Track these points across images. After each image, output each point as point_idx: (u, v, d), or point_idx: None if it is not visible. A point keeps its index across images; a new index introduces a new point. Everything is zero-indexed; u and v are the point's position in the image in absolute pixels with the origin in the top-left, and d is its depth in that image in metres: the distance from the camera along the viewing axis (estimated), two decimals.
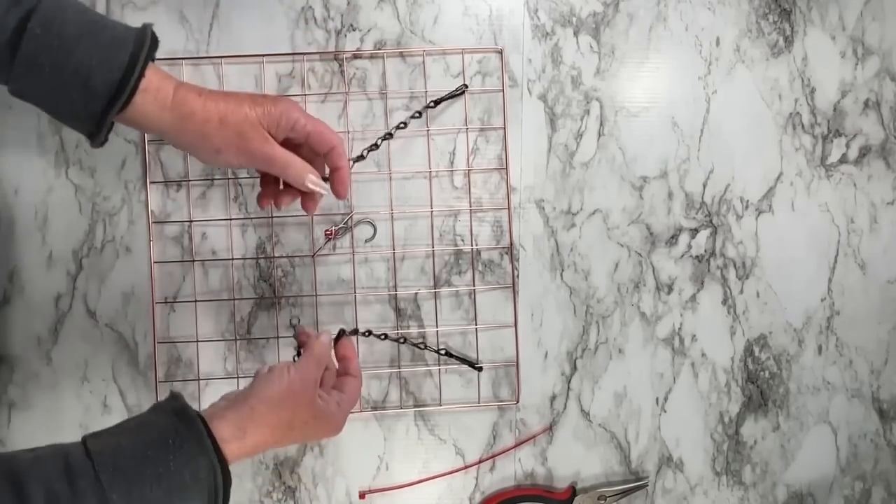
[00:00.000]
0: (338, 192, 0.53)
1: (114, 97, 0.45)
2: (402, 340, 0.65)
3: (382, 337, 0.64)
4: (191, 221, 0.65)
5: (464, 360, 0.65)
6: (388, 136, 0.64)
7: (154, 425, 0.44)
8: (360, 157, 0.63)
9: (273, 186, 0.53)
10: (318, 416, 0.51)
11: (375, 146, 0.64)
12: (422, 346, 0.65)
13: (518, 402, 0.67)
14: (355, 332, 0.63)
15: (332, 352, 0.57)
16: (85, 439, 0.42)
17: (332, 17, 0.65)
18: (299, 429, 0.50)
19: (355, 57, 0.65)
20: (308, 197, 0.53)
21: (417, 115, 0.64)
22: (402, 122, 0.64)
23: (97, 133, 0.46)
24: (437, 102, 0.64)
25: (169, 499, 0.42)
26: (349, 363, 0.57)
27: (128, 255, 0.64)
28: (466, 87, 0.65)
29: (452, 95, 0.65)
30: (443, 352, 0.65)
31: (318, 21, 0.65)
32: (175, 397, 0.46)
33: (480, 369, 0.66)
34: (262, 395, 0.48)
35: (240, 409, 0.47)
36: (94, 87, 0.44)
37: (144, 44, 0.46)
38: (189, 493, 0.42)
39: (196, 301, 0.65)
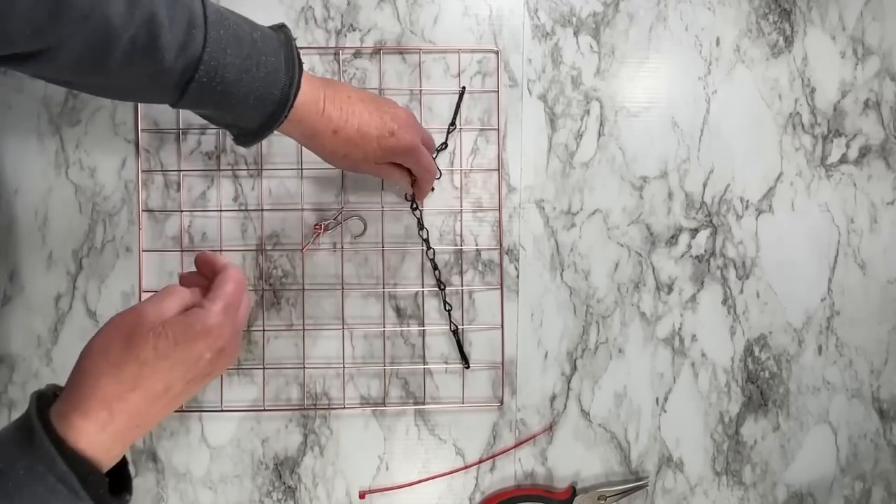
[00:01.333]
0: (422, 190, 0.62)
1: (266, 125, 0.50)
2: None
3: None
4: (181, 211, 0.65)
5: (462, 352, 0.66)
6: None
7: (4, 440, 0.39)
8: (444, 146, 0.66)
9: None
10: (189, 335, 0.42)
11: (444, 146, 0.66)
12: (448, 307, 0.66)
13: (502, 404, 0.67)
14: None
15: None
16: None
17: (332, 16, 0.66)
18: (180, 364, 0.41)
19: (355, 56, 0.65)
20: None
21: (444, 146, 0.66)
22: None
23: (253, 140, 0.51)
24: (452, 122, 0.66)
25: (8, 501, 0.37)
26: (215, 261, 0.48)
27: (128, 255, 0.65)
28: (465, 89, 0.65)
29: (458, 106, 0.65)
30: (454, 329, 0.66)
31: (318, 21, 0.65)
32: (36, 397, 0.41)
33: (468, 367, 0.66)
34: (96, 351, 0.41)
35: (72, 382, 0.41)
36: (250, 118, 0.49)
37: (294, 78, 0.49)
38: (33, 488, 0.38)
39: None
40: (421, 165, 0.58)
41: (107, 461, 0.41)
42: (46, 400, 0.41)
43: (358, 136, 0.53)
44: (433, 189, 0.65)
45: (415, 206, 0.65)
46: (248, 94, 0.47)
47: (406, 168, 0.59)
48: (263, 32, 0.49)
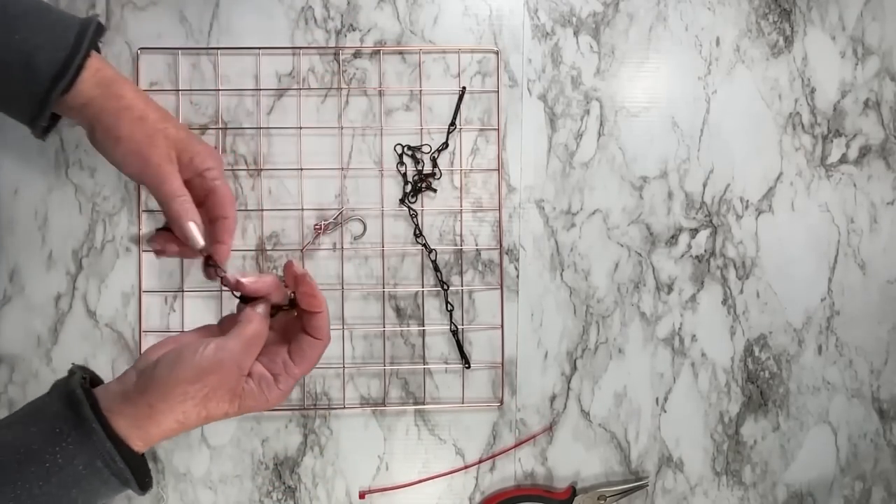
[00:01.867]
0: (221, 238, 0.50)
1: (57, 76, 0.44)
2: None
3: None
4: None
5: (462, 352, 0.66)
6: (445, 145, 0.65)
7: (43, 413, 0.41)
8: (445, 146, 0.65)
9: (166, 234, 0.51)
10: (242, 407, 0.44)
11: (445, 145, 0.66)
12: (449, 308, 0.66)
13: (502, 404, 0.67)
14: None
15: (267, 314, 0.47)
16: None
17: (332, 16, 0.66)
18: (216, 415, 0.44)
19: (355, 56, 0.65)
20: (184, 246, 0.50)
21: (445, 145, 0.66)
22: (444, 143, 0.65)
23: (39, 116, 0.45)
24: (452, 122, 0.65)
25: (66, 492, 0.40)
26: (314, 316, 0.46)
27: (128, 255, 0.64)
28: (465, 89, 0.66)
29: (458, 106, 0.65)
30: (454, 329, 0.66)
31: (318, 21, 0.65)
32: (71, 374, 0.43)
33: (468, 366, 0.66)
34: (162, 385, 0.42)
35: (136, 403, 0.42)
36: (37, 66, 0.44)
37: (90, 27, 0.46)
38: (89, 483, 0.40)
39: (183, 291, 0.65)
40: (222, 181, 0.50)
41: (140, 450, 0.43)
42: (87, 387, 0.42)
43: (158, 113, 0.48)
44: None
45: (214, 268, 0.50)
46: (36, 34, 0.44)
47: (188, 193, 0.49)
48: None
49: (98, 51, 0.48)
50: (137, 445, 0.42)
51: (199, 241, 0.49)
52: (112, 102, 0.47)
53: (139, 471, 0.42)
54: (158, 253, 0.52)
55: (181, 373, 0.42)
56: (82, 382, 0.42)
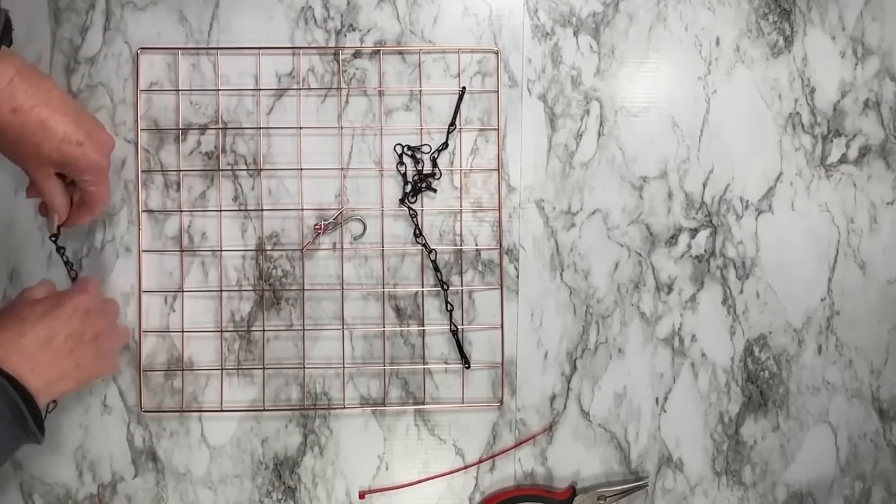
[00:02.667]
0: (73, 221, 0.59)
1: None
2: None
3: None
4: (181, 211, 0.65)
5: (461, 352, 0.66)
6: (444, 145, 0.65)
7: None
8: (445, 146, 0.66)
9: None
10: (57, 300, 0.54)
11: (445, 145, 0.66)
12: (449, 308, 0.65)
13: (502, 404, 0.67)
14: None
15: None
16: None
17: (332, 16, 0.65)
18: (56, 318, 0.53)
19: (355, 56, 0.65)
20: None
21: (444, 146, 0.66)
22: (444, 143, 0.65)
23: None
24: (452, 122, 0.66)
25: None
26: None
27: (128, 255, 0.64)
28: (465, 89, 0.66)
29: (458, 106, 0.65)
30: (454, 329, 0.66)
31: (318, 21, 0.65)
32: None
33: (468, 366, 0.66)
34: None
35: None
36: None
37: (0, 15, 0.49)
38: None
39: (183, 291, 0.65)
40: (99, 191, 0.56)
41: (32, 390, 0.50)
42: None
43: (39, 127, 0.50)
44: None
45: (55, 236, 0.61)
46: None
47: (66, 195, 0.56)
48: None
49: (9, 45, 0.50)
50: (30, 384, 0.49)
51: (52, 229, 0.60)
52: (2, 95, 0.49)
53: (30, 403, 0.49)
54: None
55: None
56: None
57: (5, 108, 0.48)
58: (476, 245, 0.66)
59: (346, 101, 0.65)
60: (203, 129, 0.65)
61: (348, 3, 0.66)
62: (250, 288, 0.65)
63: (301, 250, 0.65)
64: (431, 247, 0.66)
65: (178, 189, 0.65)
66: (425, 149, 0.66)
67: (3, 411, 0.47)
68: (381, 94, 0.66)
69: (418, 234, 0.65)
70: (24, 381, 0.49)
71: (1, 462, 0.49)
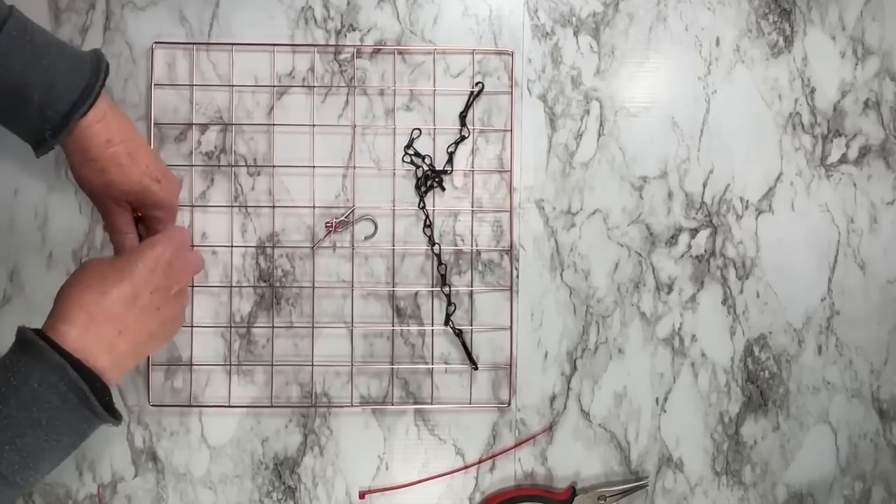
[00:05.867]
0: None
1: (77, 102, 0.49)
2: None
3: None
4: (182, 206, 0.65)
5: (468, 353, 0.65)
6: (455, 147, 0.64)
7: (6, 363, 0.44)
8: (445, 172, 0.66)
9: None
10: (138, 253, 0.50)
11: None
12: (452, 308, 0.65)
13: (510, 405, 0.67)
14: None
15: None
16: None
17: (332, 16, 0.66)
18: (139, 271, 0.49)
19: (359, 55, 0.65)
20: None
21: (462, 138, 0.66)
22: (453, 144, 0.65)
23: (53, 138, 0.49)
24: (464, 114, 0.66)
25: (27, 413, 0.42)
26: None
27: None
28: (482, 86, 0.65)
29: (470, 103, 0.65)
30: (457, 330, 0.66)
31: (318, 21, 0.65)
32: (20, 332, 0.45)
33: (476, 368, 0.66)
34: (59, 293, 0.48)
35: (54, 310, 0.46)
36: (58, 92, 0.48)
37: (102, 61, 0.51)
38: (48, 401, 0.42)
39: (193, 286, 0.65)
40: (166, 227, 0.57)
41: (100, 368, 0.46)
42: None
43: (127, 158, 0.53)
44: None
45: None
46: (59, 62, 0.48)
47: (135, 232, 0.57)
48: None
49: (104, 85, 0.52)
50: (82, 350, 0.44)
51: None
52: (99, 128, 0.51)
53: (96, 387, 0.44)
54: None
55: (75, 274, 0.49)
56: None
57: (101, 140, 0.51)
58: (476, 245, 0.66)
59: (346, 101, 0.66)
60: (203, 128, 0.65)
61: (348, 3, 0.66)
62: (256, 285, 0.65)
63: (312, 248, 0.65)
64: (437, 242, 0.66)
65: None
66: (439, 144, 0.66)
67: (67, 395, 0.43)
68: (383, 93, 0.66)
69: (429, 230, 0.65)
70: (92, 362, 0.45)
71: (76, 446, 0.46)
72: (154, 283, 0.50)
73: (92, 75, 0.50)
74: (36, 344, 0.43)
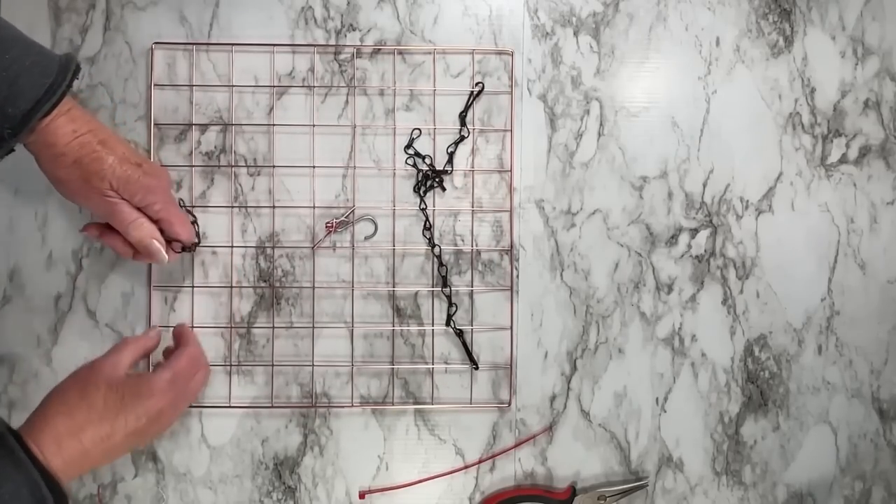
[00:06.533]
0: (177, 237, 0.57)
1: (40, 100, 0.47)
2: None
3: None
4: (183, 206, 0.65)
5: (469, 353, 0.65)
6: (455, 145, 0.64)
7: None
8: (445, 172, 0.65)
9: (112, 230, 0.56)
10: (135, 394, 0.50)
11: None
12: (454, 308, 0.65)
13: (510, 405, 0.67)
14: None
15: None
16: None
17: (332, 16, 0.66)
18: (123, 416, 0.49)
19: (359, 55, 0.65)
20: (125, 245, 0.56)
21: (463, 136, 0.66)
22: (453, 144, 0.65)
23: (14, 136, 0.48)
24: (464, 114, 0.66)
25: None
26: (182, 336, 0.58)
27: None
28: (483, 86, 0.65)
29: (471, 103, 0.65)
30: (458, 330, 0.65)
31: (318, 21, 0.65)
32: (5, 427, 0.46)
33: (477, 368, 0.66)
34: (54, 396, 0.49)
35: (30, 427, 0.47)
36: (21, 88, 0.47)
37: (72, 62, 0.49)
38: None
39: (193, 287, 0.65)
40: (169, 212, 0.55)
41: (66, 481, 0.47)
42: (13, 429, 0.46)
43: (99, 144, 0.51)
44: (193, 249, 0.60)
45: (189, 248, 0.59)
46: (24, 58, 0.47)
47: (141, 214, 0.55)
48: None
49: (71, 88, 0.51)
50: (57, 464, 0.46)
51: (164, 258, 0.56)
52: (65, 126, 0.50)
53: (62, 500, 0.45)
54: (94, 238, 0.57)
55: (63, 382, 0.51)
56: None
57: (66, 131, 0.50)
58: (476, 245, 0.66)
59: (346, 101, 0.66)
60: (203, 128, 0.65)
61: (348, 3, 0.66)
62: (256, 286, 0.65)
63: (312, 248, 0.65)
64: (440, 247, 0.66)
65: (178, 189, 0.65)
66: (438, 144, 0.66)
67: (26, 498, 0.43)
68: (382, 93, 0.66)
69: (429, 229, 0.65)
70: (61, 476, 0.46)
71: None
72: (134, 427, 0.50)
73: (59, 74, 0.48)
74: (14, 452, 0.43)
